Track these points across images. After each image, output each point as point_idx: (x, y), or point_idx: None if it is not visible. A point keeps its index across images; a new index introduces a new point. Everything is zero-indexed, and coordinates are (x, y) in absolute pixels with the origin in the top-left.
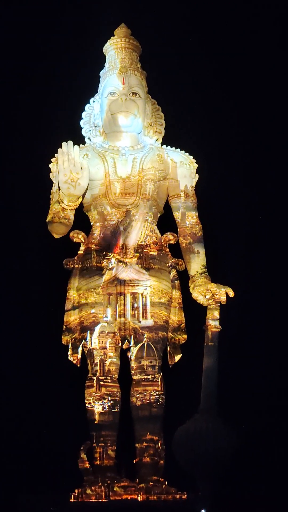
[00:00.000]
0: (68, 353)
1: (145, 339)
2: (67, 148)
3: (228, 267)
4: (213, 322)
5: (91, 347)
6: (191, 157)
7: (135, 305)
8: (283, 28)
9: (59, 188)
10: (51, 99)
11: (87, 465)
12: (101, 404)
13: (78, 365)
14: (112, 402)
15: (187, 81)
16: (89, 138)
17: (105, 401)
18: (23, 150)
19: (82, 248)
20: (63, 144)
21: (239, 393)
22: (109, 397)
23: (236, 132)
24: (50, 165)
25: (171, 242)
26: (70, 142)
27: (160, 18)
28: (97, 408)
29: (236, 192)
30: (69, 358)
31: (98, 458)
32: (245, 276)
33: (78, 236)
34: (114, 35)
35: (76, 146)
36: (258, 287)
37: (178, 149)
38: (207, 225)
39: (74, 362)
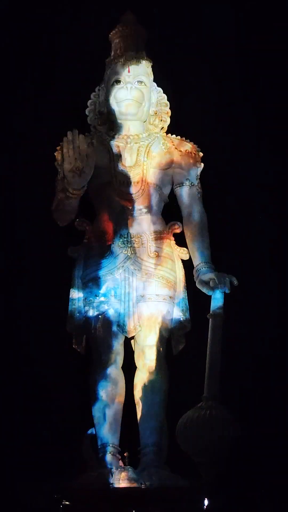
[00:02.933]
0: (73, 341)
1: (149, 327)
2: (72, 136)
3: (230, 257)
4: (217, 311)
5: (95, 335)
6: (196, 145)
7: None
8: None
9: (64, 177)
10: (56, 86)
11: (91, 452)
12: (105, 392)
13: (83, 353)
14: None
15: (193, 69)
16: (94, 127)
17: (109, 388)
18: (28, 139)
19: (86, 236)
20: (68, 132)
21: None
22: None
23: (242, 121)
24: (55, 154)
25: (176, 231)
26: (75, 131)
27: (166, 5)
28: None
29: (241, 180)
30: (73, 346)
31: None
32: (248, 265)
33: (83, 225)
34: (119, 22)
35: (81, 135)
36: (261, 276)
37: (184, 138)
38: (211, 215)
39: (79, 350)
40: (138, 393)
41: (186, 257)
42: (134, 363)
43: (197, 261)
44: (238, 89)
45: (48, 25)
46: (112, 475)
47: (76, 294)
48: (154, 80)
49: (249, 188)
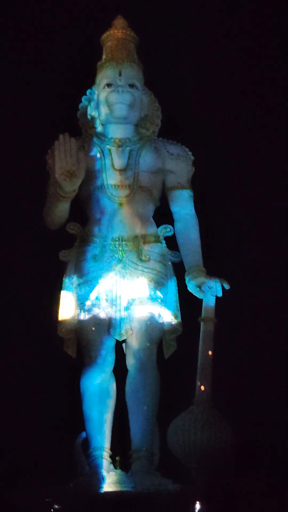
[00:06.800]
0: (64, 344)
1: (140, 330)
2: (64, 140)
3: (223, 260)
4: (208, 314)
5: (86, 339)
6: (188, 149)
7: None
8: None
9: (56, 180)
10: (47, 90)
11: (82, 455)
12: (96, 395)
13: (74, 357)
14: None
15: (185, 73)
16: (85, 130)
17: (101, 392)
18: (19, 143)
19: (77, 240)
20: (60, 136)
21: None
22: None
23: (235, 126)
24: (46, 157)
25: (167, 234)
26: (67, 134)
27: (158, 8)
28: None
29: (233, 186)
30: (65, 349)
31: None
32: (240, 270)
33: (74, 228)
34: (111, 26)
35: (72, 138)
36: (254, 281)
37: (175, 142)
38: (203, 218)
39: (70, 353)
40: (129, 396)
41: (177, 261)
42: (126, 366)
43: (188, 265)
44: (234, 92)
45: (39, 28)
46: (103, 479)
47: (67, 298)
48: (145, 83)
49: (242, 190)
